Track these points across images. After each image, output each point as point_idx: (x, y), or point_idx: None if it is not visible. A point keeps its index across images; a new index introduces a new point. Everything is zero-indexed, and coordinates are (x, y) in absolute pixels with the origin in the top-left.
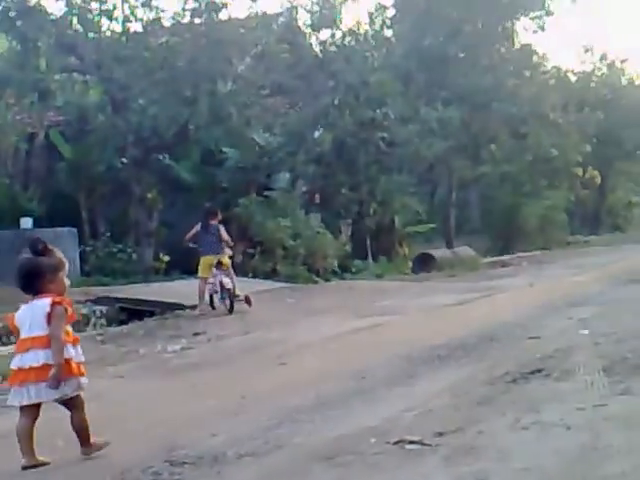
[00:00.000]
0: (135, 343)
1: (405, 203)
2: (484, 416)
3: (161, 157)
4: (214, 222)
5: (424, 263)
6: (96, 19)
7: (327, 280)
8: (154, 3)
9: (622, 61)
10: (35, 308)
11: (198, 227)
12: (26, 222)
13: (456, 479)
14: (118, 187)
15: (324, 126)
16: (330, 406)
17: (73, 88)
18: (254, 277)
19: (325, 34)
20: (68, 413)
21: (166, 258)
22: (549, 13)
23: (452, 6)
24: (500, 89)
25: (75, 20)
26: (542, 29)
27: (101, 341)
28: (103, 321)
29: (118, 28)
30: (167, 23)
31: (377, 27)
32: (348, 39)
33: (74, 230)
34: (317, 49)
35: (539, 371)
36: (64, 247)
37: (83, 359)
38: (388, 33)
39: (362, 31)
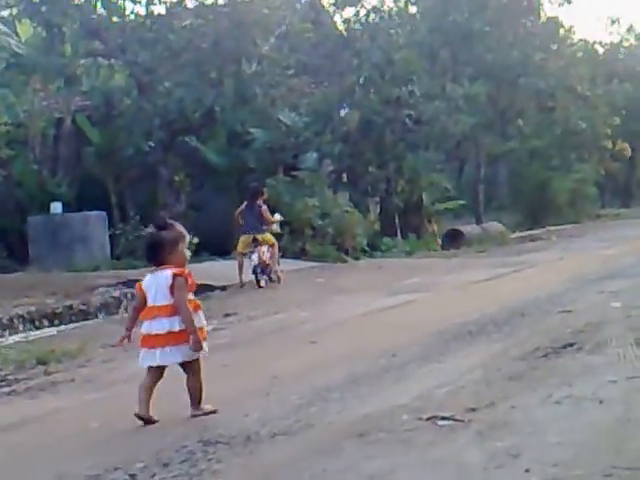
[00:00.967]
0: None
1: (433, 180)
2: (516, 391)
3: (188, 139)
4: (259, 201)
5: (453, 239)
6: (120, 3)
7: (356, 259)
8: None
9: None
10: (159, 278)
11: (243, 206)
12: (56, 207)
13: (489, 454)
14: (146, 170)
15: (350, 105)
16: (361, 384)
17: (98, 73)
18: (283, 257)
19: (349, 12)
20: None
21: (195, 240)
22: None
23: None
24: (527, 63)
25: (99, 4)
26: (568, 2)
27: None
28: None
29: (142, 11)
30: (190, 5)
31: (401, 4)
32: (372, 17)
33: (103, 214)
34: (341, 27)
35: (571, 345)
36: (94, 231)
37: (205, 324)
38: (412, 10)
39: (386, 8)
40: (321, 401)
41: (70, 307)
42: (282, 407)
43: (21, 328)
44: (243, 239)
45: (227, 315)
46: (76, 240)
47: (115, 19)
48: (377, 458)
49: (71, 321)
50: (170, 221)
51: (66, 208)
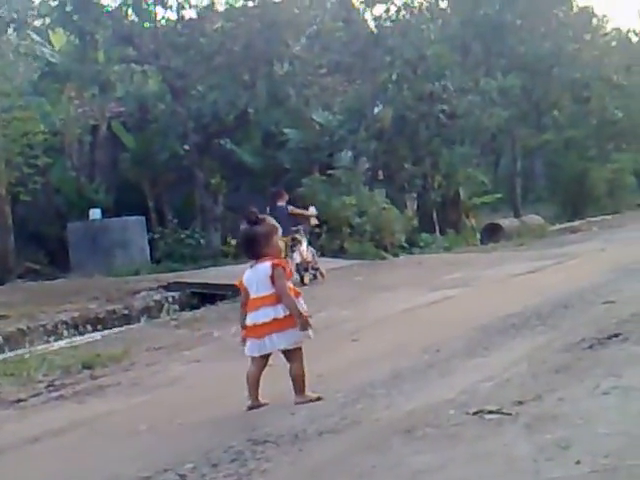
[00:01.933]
0: (209, 327)
1: (469, 174)
2: (563, 383)
3: (223, 142)
4: (281, 203)
5: (492, 233)
6: (151, 8)
7: (395, 255)
8: None
9: None
10: (258, 271)
11: (267, 210)
12: (95, 213)
13: (539, 447)
14: (182, 174)
15: (383, 102)
16: (406, 380)
17: (132, 78)
18: (322, 256)
19: (379, 9)
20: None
21: (234, 242)
22: None
23: None
24: (560, 54)
25: (130, 11)
26: None
27: (175, 326)
28: (176, 307)
29: (173, 16)
30: (221, 8)
31: None
32: (403, 13)
33: (142, 218)
34: (372, 25)
35: (616, 336)
36: (133, 236)
37: (306, 309)
38: (443, 4)
39: (416, 4)
40: (367, 398)
41: (113, 312)
42: (328, 405)
43: (66, 334)
44: None
45: None
46: (116, 245)
47: (147, 25)
48: (425, 453)
49: (114, 325)
50: (261, 216)
51: (105, 214)
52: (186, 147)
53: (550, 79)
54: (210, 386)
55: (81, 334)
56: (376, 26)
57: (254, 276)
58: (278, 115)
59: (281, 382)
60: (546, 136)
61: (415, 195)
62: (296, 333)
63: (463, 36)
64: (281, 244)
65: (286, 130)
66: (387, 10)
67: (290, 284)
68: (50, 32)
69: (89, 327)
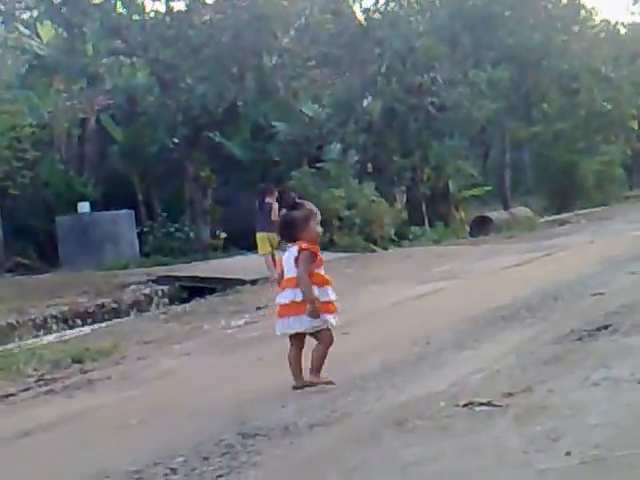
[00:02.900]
0: (199, 320)
1: (459, 167)
2: (552, 375)
3: (212, 135)
4: (269, 200)
5: (481, 226)
6: (139, 1)
7: (385, 248)
8: None
9: None
10: (289, 254)
11: (256, 204)
12: (83, 207)
13: (529, 439)
14: (171, 167)
15: (372, 94)
16: (396, 372)
17: (121, 71)
18: None
19: (368, 1)
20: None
21: (223, 235)
22: None
23: None
24: (549, 46)
25: (119, 3)
26: None
27: (165, 320)
28: (165, 300)
29: (162, 8)
30: (210, 0)
31: None
32: (392, 5)
33: (131, 212)
34: (361, 17)
35: (605, 327)
36: (122, 229)
37: (333, 298)
38: None
39: None
40: (357, 390)
41: (102, 306)
42: (319, 398)
43: (55, 328)
44: (260, 237)
45: (259, 308)
46: (105, 239)
47: (135, 17)
48: (416, 446)
49: (104, 319)
50: (300, 200)
51: (93, 207)
52: (175, 140)
53: (539, 71)
54: (200, 379)
55: (70, 328)
56: (365, 18)
57: (287, 258)
58: (267, 108)
59: (271, 375)
60: (535, 128)
61: (404, 188)
62: (317, 318)
63: (452, 28)
64: (319, 229)
65: (275, 123)
66: (376, 2)
67: (320, 271)
68: (38, 25)
69: (78, 321)
